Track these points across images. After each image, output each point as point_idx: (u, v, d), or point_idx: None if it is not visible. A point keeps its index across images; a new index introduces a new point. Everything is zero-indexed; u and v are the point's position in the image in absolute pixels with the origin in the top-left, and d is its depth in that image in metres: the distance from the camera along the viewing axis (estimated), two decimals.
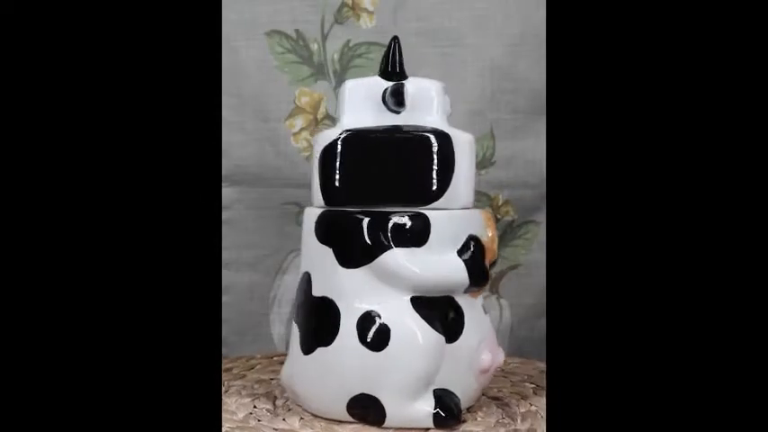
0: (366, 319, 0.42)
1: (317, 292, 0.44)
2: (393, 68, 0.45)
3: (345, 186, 0.44)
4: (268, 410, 0.47)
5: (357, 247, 0.43)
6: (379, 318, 0.42)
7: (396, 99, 0.44)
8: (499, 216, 0.64)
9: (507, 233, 0.64)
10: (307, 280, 0.45)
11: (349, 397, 0.43)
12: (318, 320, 0.44)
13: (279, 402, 0.48)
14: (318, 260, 0.44)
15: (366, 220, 0.42)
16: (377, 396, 0.42)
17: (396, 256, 0.42)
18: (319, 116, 0.63)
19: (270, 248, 0.64)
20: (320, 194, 0.44)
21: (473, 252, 0.44)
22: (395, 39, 0.46)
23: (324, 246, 0.44)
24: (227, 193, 0.63)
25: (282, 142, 0.63)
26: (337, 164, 0.44)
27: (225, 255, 0.63)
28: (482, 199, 0.62)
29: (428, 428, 0.43)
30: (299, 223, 0.46)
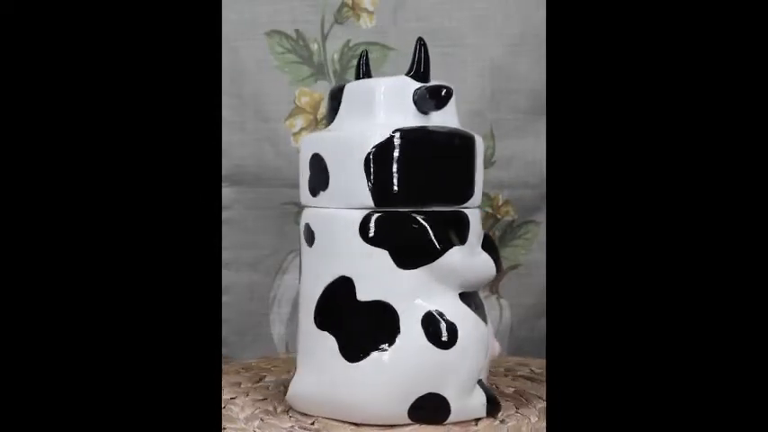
0: (431, 319, 0.43)
1: (364, 296, 0.43)
2: (425, 69, 0.45)
3: (399, 186, 0.43)
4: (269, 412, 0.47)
5: (418, 248, 0.43)
6: (443, 316, 0.43)
7: (436, 101, 0.44)
8: (499, 216, 0.64)
9: (507, 233, 0.64)
10: (345, 284, 0.43)
11: (415, 398, 0.42)
12: (371, 325, 0.43)
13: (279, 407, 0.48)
14: (366, 263, 0.43)
15: (429, 220, 0.43)
16: (443, 394, 0.43)
17: (457, 255, 0.43)
18: (319, 116, 0.63)
19: (270, 248, 0.64)
20: (367, 195, 0.43)
21: (493, 248, 0.46)
22: (421, 40, 0.45)
23: (375, 248, 0.43)
24: (227, 193, 0.63)
25: (282, 142, 0.63)
26: (393, 163, 0.43)
27: (225, 255, 0.63)
28: (482, 199, 0.62)
29: (478, 419, 0.44)
30: (299, 223, 0.46)
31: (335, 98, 0.46)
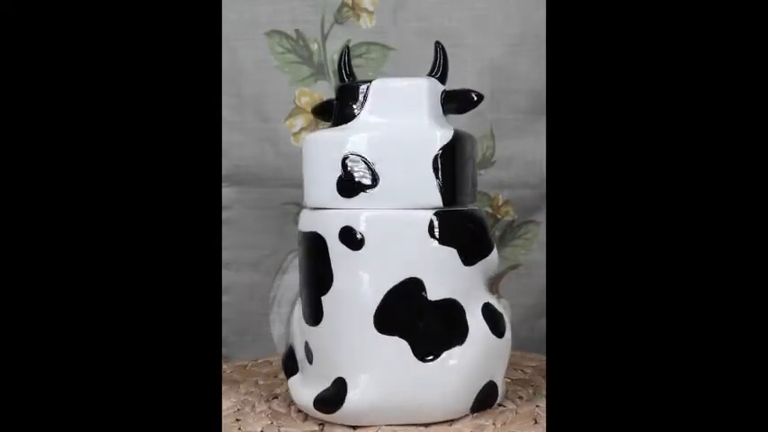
0: (488, 311, 0.45)
1: (435, 296, 0.43)
2: (445, 72, 0.47)
3: (461, 186, 0.44)
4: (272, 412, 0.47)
5: (479, 245, 0.45)
6: (493, 307, 0.45)
7: (465, 104, 0.46)
8: (499, 216, 0.64)
9: (507, 233, 0.64)
10: (413, 286, 0.42)
11: (479, 389, 0.44)
12: (444, 323, 0.43)
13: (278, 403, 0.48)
14: (436, 262, 0.43)
15: (484, 217, 0.46)
16: (495, 380, 0.45)
17: (496, 251, 0.46)
18: None
19: (270, 248, 0.64)
20: (436, 194, 0.43)
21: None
22: (439, 44, 0.47)
23: (445, 246, 0.43)
24: (227, 193, 0.63)
25: (282, 142, 0.63)
26: (456, 164, 0.44)
27: (225, 255, 0.63)
28: (482, 199, 0.62)
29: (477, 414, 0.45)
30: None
31: (356, 95, 0.45)
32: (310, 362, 0.45)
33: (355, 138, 0.43)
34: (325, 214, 0.44)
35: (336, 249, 0.43)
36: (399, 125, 0.44)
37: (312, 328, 0.44)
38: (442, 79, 0.46)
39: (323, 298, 0.43)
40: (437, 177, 0.43)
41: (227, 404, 0.48)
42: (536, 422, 0.44)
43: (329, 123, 0.47)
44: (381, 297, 0.42)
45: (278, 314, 0.66)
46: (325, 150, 0.44)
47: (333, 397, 0.43)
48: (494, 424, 0.44)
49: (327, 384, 0.43)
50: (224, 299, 0.63)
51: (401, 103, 0.44)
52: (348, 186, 0.43)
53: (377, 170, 0.43)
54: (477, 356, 0.43)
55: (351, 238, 0.42)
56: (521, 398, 0.48)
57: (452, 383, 0.43)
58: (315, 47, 0.63)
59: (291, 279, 0.64)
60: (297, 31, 0.62)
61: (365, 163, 0.43)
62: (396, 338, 0.42)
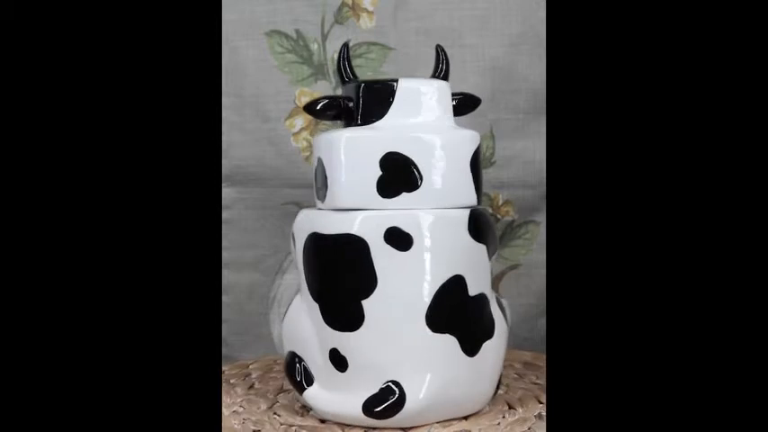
0: (499, 302, 0.47)
1: (473, 291, 0.44)
2: (448, 74, 0.47)
3: (481, 185, 0.46)
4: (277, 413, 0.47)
5: (495, 240, 0.47)
6: (499, 298, 0.47)
7: (469, 107, 0.47)
8: (499, 216, 0.64)
9: (507, 233, 0.64)
10: (458, 283, 0.43)
11: (498, 377, 0.46)
12: (481, 318, 0.45)
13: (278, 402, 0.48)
14: (473, 259, 0.44)
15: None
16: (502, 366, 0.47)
17: None
18: None
19: (270, 248, 0.64)
20: (473, 193, 0.45)
21: None
22: (440, 47, 0.47)
23: (479, 243, 0.44)
24: (227, 193, 0.63)
25: (282, 142, 0.63)
26: (480, 164, 0.46)
27: (225, 255, 0.63)
28: (482, 199, 0.62)
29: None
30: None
31: (383, 94, 0.44)
32: (342, 369, 0.43)
33: (396, 137, 0.43)
34: (366, 215, 0.42)
35: (381, 251, 0.42)
36: (430, 125, 0.44)
37: (346, 333, 0.43)
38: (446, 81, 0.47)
39: (364, 302, 0.42)
40: (474, 177, 0.44)
41: (228, 404, 0.48)
42: (536, 422, 0.44)
43: (334, 122, 0.47)
44: (432, 296, 0.42)
45: (278, 314, 0.66)
46: (363, 150, 0.43)
47: (390, 401, 0.42)
48: (498, 424, 0.44)
49: (373, 390, 0.42)
50: (224, 299, 0.63)
51: (426, 104, 0.45)
52: (390, 186, 0.43)
53: (421, 171, 0.43)
54: (502, 347, 0.46)
55: (399, 238, 0.42)
56: (521, 398, 0.48)
57: (488, 374, 0.45)
58: (315, 47, 0.63)
59: (291, 279, 0.64)
60: (297, 31, 0.62)
61: (408, 163, 0.43)
62: (447, 336, 0.42)
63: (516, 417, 0.45)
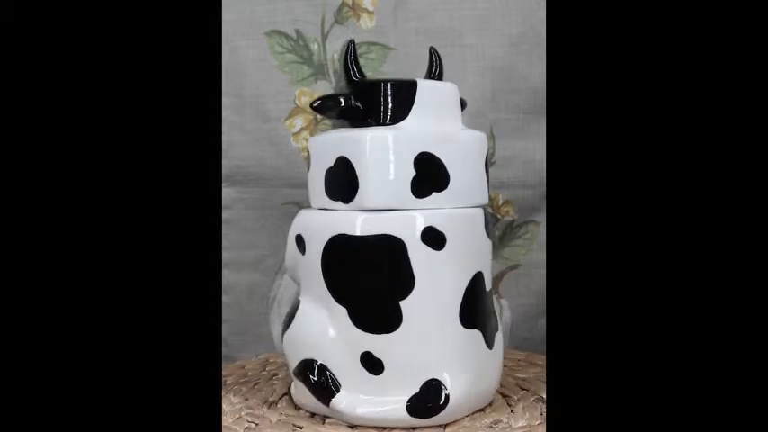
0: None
1: (488, 286, 0.46)
2: (442, 75, 0.48)
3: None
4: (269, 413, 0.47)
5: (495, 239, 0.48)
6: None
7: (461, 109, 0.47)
8: (499, 216, 0.64)
9: (507, 233, 0.64)
10: (480, 279, 0.44)
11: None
12: (492, 311, 0.46)
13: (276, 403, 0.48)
14: (487, 256, 0.46)
15: None
16: None
17: None
18: (319, 116, 0.63)
19: (270, 248, 0.64)
20: (486, 193, 0.46)
21: None
22: (433, 48, 0.48)
23: (490, 241, 0.46)
24: (227, 193, 0.63)
25: (282, 142, 0.63)
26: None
27: (225, 255, 0.63)
28: None
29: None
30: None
31: (405, 94, 0.44)
32: (377, 372, 0.43)
33: (427, 137, 0.43)
34: (402, 215, 0.42)
35: (418, 251, 0.42)
36: (449, 126, 0.45)
37: (382, 335, 0.42)
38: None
39: (402, 302, 0.42)
40: (486, 176, 0.46)
41: (228, 404, 0.48)
42: (536, 422, 0.44)
43: (337, 121, 0.46)
44: (462, 293, 0.43)
45: (278, 314, 0.66)
46: (397, 150, 0.43)
47: (435, 400, 0.42)
48: (493, 425, 0.44)
49: (413, 390, 0.42)
50: (224, 299, 0.63)
51: (443, 106, 0.45)
52: (424, 186, 0.43)
53: (449, 171, 0.43)
54: (503, 337, 0.48)
55: (434, 238, 0.42)
56: (522, 398, 0.48)
57: (500, 365, 0.47)
58: (315, 47, 0.63)
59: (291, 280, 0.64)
60: (297, 31, 0.62)
61: (439, 163, 0.43)
62: (475, 331, 0.44)
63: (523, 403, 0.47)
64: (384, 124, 0.44)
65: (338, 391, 0.43)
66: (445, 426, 0.43)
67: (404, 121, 0.44)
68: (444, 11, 0.62)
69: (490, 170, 0.62)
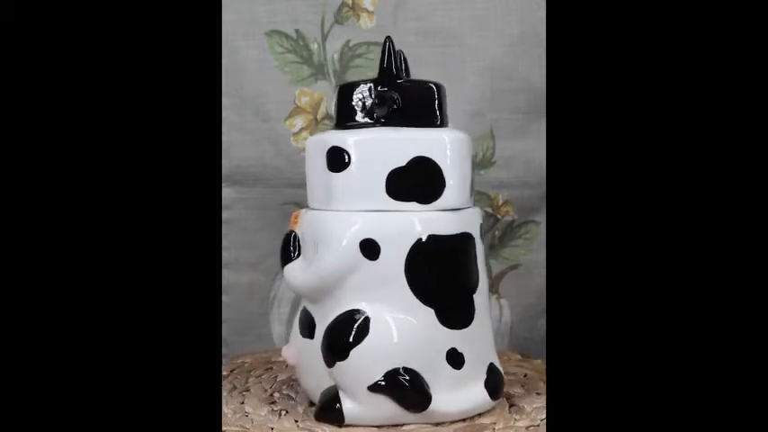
0: None
1: None
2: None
3: None
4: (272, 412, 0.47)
5: None
6: None
7: None
8: (499, 216, 0.64)
9: (507, 233, 0.64)
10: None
11: None
12: None
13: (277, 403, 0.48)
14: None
15: None
16: None
17: None
18: (319, 116, 0.63)
19: (270, 248, 0.64)
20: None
21: None
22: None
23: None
24: (227, 193, 0.63)
25: (282, 142, 0.63)
26: None
27: (225, 255, 0.63)
28: (482, 199, 0.62)
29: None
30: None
31: (444, 98, 0.46)
32: (459, 366, 0.44)
33: (467, 140, 0.46)
34: (472, 212, 0.46)
35: (479, 245, 0.46)
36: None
37: (461, 330, 0.44)
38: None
39: (474, 296, 0.45)
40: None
41: (227, 404, 0.48)
42: (536, 422, 0.44)
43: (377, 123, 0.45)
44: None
45: (278, 314, 0.66)
46: (470, 151, 0.46)
47: (500, 381, 0.46)
48: (494, 423, 0.44)
49: (483, 377, 0.45)
50: (224, 299, 0.63)
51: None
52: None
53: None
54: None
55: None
56: (522, 398, 0.48)
57: None
58: (315, 47, 0.63)
59: None
60: (297, 31, 0.62)
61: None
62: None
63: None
64: (444, 126, 0.46)
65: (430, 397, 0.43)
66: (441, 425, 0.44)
67: (450, 124, 0.46)
68: (444, 11, 0.62)
69: (490, 170, 0.63)
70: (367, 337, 0.42)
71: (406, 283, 0.43)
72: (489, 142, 0.62)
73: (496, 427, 0.43)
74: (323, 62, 0.63)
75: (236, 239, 0.64)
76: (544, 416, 0.45)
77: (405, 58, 0.46)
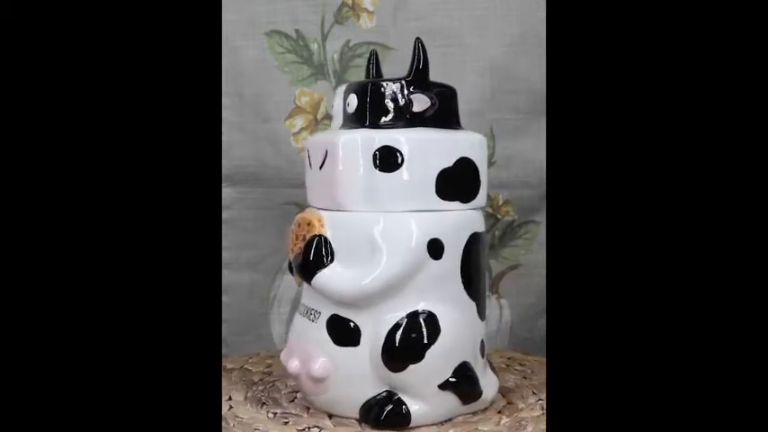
0: None
1: None
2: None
3: None
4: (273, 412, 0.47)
5: None
6: None
7: None
8: (499, 216, 0.64)
9: (507, 233, 0.64)
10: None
11: None
12: None
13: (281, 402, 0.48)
14: None
15: None
16: None
17: None
18: (319, 116, 0.63)
19: (270, 248, 0.64)
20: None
21: None
22: (374, 53, 0.49)
23: None
24: (227, 193, 0.63)
25: (282, 142, 0.63)
26: None
27: (225, 255, 0.63)
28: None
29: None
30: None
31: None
32: (484, 355, 0.47)
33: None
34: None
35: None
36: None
37: (484, 322, 0.47)
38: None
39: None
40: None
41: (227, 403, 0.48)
42: (536, 422, 0.44)
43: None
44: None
45: (278, 314, 0.66)
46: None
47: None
48: (496, 424, 0.44)
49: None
50: (224, 299, 0.63)
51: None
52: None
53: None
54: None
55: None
56: (522, 398, 0.49)
57: None
58: (315, 47, 0.63)
59: (291, 279, 0.64)
60: (297, 31, 0.62)
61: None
62: None
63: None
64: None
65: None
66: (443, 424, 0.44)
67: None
68: (444, 11, 0.62)
69: (490, 170, 0.62)
70: (440, 336, 0.42)
71: (460, 280, 0.44)
72: (489, 142, 0.63)
73: (496, 427, 0.44)
74: (323, 62, 0.63)
75: (236, 239, 0.64)
76: (542, 412, 0.45)
77: (374, 61, 0.48)
